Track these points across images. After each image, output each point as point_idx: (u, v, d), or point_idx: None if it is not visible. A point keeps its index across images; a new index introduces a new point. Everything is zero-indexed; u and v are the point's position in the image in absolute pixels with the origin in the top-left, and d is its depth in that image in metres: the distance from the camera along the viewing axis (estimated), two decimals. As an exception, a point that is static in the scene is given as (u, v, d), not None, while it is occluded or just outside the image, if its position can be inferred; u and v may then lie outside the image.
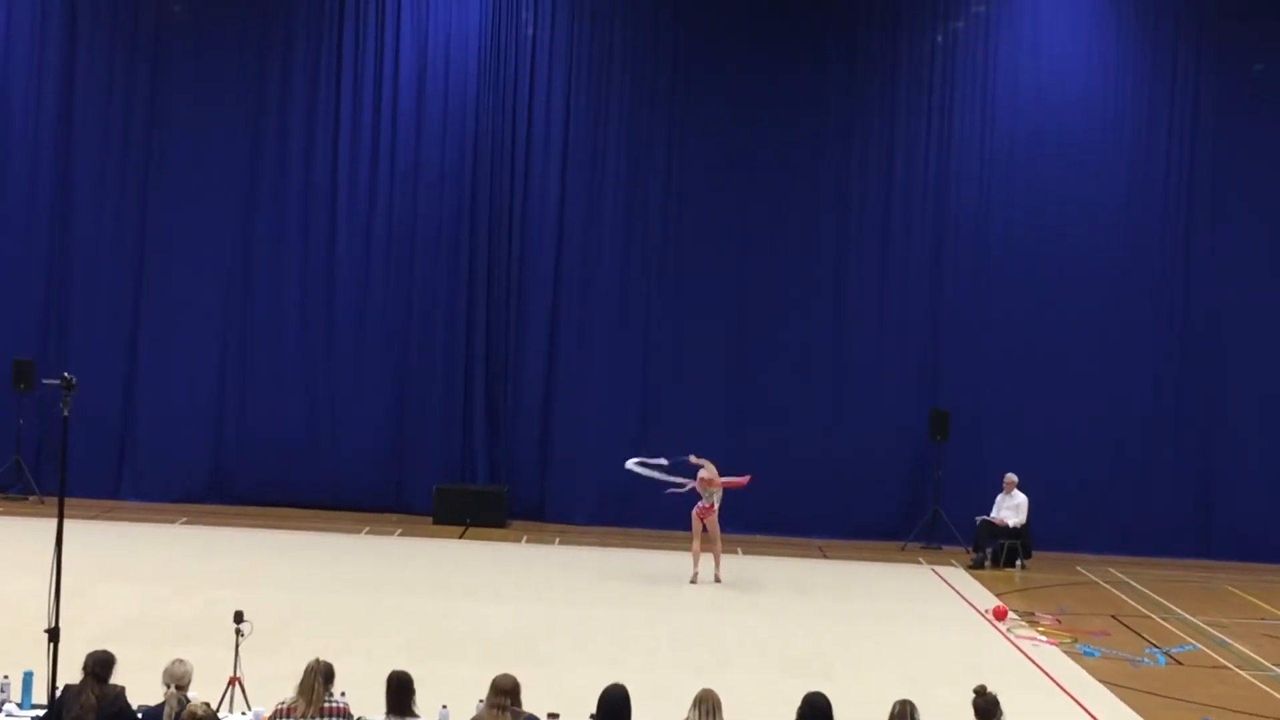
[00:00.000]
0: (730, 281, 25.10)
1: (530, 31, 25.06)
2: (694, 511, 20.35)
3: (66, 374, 9.55)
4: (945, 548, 24.08)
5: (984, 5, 25.32)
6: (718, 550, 20.53)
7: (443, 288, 24.89)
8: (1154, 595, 21.51)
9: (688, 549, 20.57)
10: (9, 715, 10.73)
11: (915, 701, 9.91)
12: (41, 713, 10.30)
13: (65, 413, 9.45)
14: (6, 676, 11.03)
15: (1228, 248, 25.14)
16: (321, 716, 9.98)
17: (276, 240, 24.92)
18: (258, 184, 24.93)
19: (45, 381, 10.18)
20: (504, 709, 9.97)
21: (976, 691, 10.42)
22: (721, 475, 20.57)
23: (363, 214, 24.95)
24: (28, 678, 11.01)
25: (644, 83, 25.18)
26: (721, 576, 20.46)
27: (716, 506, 20.35)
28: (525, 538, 23.50)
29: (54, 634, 9.23)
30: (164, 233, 24.83)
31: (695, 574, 20.32)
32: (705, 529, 20.33)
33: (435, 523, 24.00)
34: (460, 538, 23.39)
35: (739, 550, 23.01)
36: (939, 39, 25.32)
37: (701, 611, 18.66)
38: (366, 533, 23.16)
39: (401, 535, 23.16)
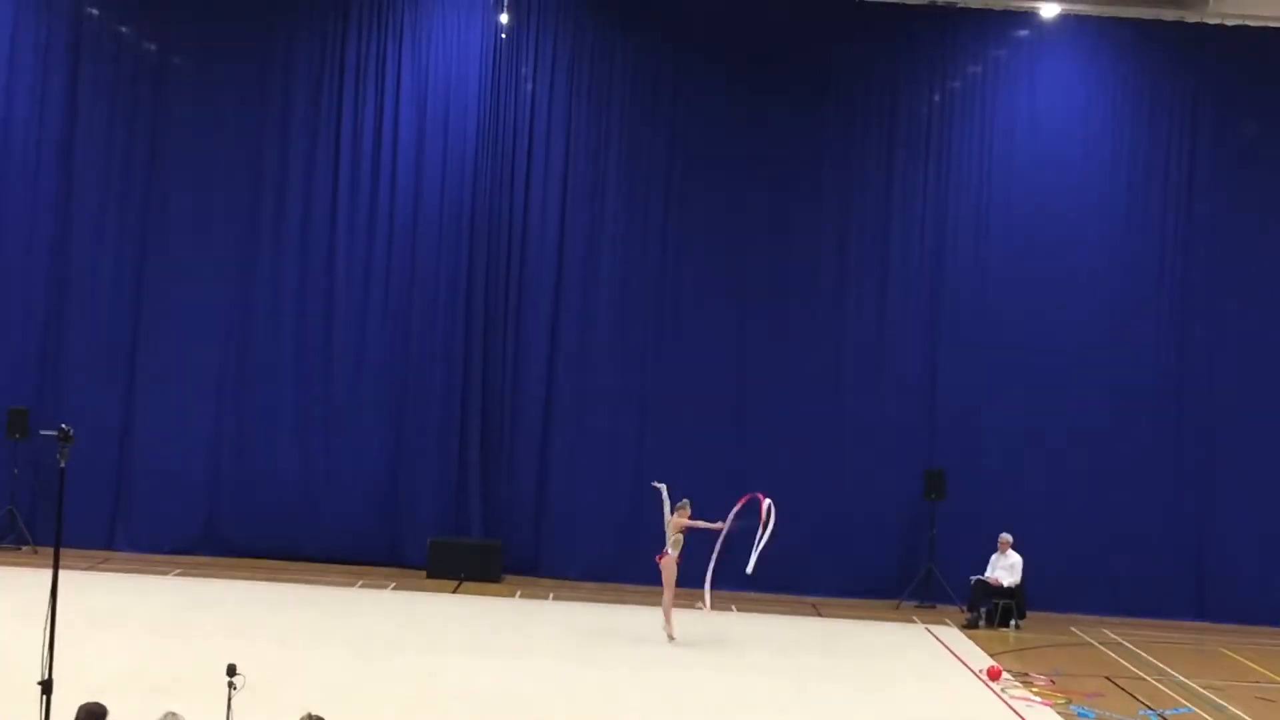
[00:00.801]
0: (728, 335, 25.14)
1: (530, 86, 25.18)
2: (658, 559, 20.12)
3: (64, 425, 9.55)
4: (939, 606, 24.06)
5: (979, 66, 25.46)
6: (668, 601, 20.17)
7: (439, 342, 24.92)
8: (1148, 657, 21.47)
9: (680, 605, 20.49)
10: (0, 767, 10.69)
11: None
12: (33, 765, 10.26)
13: (62, 464, 9.47)
14: (-2, 728, 11.01)
15: (1224, 312, 25.19)
16: (313, 771, 9.96)
17: (273, 292, 24.96)
18: (256, 234, 24.99)
19: (42, 433, 10.15)
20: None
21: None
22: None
23: (360, 268, 25.01)
24: (19, 730, 10.98)
25: (642, 133, 25.29)
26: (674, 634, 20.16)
27: (675, 555, 20.04)
28: (519, 593, 23.46)
29: (47, 686, 9.20)
30: (161, 283, 24.87)
31: (669, 632, 20.12)
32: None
33: (429, 576, 23.96)
34: (454, 592, 23.33)
35: (733, 607, 22.97)
36: (936, 98, 25.45)
37: (694, 670, 18.59)
38: (360, 586, 23.11)
39: (395, 589, 23.10)
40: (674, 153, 25.30)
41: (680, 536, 20.04)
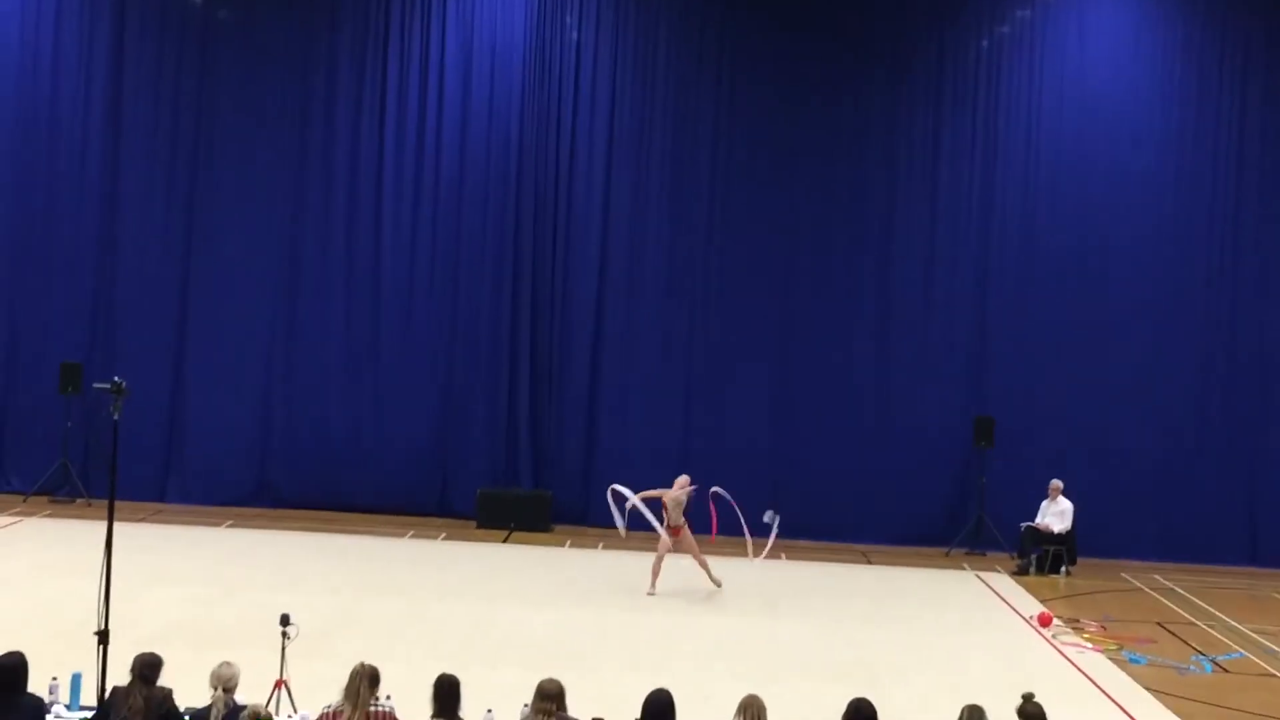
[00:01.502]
0: (774, 286, 25.11)
1: (575, 35, 25.14)
2: (665, 534, 19.77)
3: (117, 378, 9.58)
4: (990, 554, 24.03)
5: (1029, 9, 25.26)
6: (701, 559, 20.07)
7: (487, 293, 24.96)
8: (1200, 602, 21.41)
9: (733, 554, 20.51)
10: (58, 717, 10.79)
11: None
12: (90, 714, 10.37)
13: (115, 417, 9.50)
14: (55, 678, 11.10)
15: (1276, 252, 25.00)
16: (367, 720, 10.03)
17: (322, 245, 25.04)
18: (304, 189, 25.06)
19: (95, 386, 10.19)
20: (549, 714, 10.00)
21: (1024, 699, 10.40)
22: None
23: (408, 219, 25.06)
24: (76, 680, 11.07)
25: (688, 88, 25.24)
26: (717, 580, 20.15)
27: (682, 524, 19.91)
28: (569, 542, 23.52)
29: (104, 636, 9.28)
30: (210, 237, 24.98)
31: (653, 589, 19.83)
32: (678, 546, 19.91)
33: (479, 527, 24.06)
34: (504, 542, 23.43)
35: (783, 555, 22.97)
36: (984, 43, 25.28)
37: (745, 617, 18.64)
38: (411, 536, 23.22)
39: (445, 539, 23.20)
40: (720, 104, 25.21)
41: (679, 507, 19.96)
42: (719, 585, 20.00)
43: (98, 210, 24.91)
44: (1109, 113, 25.08)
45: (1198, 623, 19.96)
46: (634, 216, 25.19)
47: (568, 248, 25.10)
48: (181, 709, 10.40)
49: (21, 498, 23.97)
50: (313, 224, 25.07)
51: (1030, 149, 25.19)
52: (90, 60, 24.98)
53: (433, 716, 10.19)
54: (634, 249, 25.18)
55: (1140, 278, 24.94)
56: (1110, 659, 17.26)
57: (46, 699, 10.74)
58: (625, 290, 25.17)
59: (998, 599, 20.97)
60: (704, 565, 19.97)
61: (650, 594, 19.57)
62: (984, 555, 24.04)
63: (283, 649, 11.71)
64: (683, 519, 19.85)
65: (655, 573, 19.79)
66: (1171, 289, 24.97)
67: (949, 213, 25.20)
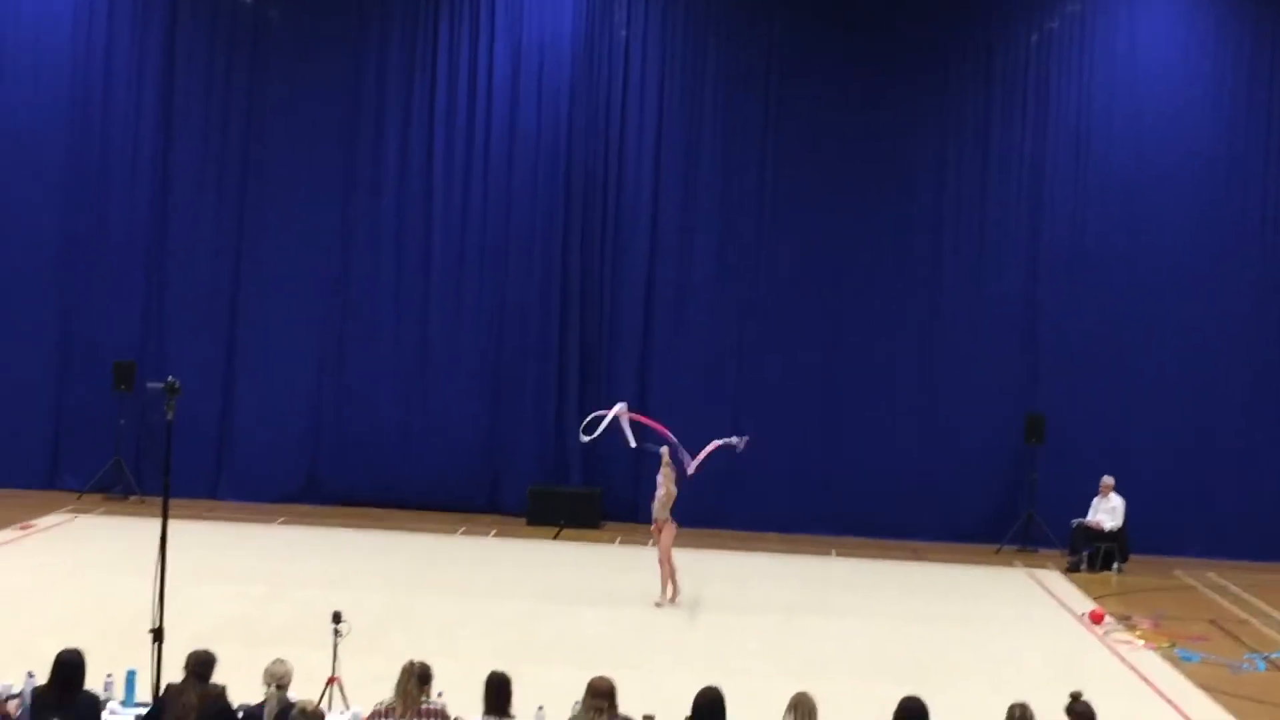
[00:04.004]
0: (824, 283, 25.06)
1: (624, 32, 25.15)
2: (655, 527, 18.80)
3: (170, 378, 9.64)
4: (1041, 550, 23.93)
5: (1079, 3, 25.14)
6: (669, 569, 18.79)
7: (536, 290, 24.99)
8: (1253, 599, 21.28)
9: (780, 551, 20.49)
10: (112, 714, 10.87)
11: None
12: (144, 711, 10.44)
13: (169, 416, 9.56)
14: (110, 675, 11.19)
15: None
16: (419, 717, 10.07)
17: (372, 242, 25.12)
18: (353, 187, 25.12)
19: (149, 385, 10.27)
20: (601, 712, 10.02)
21: (1072, 697, 10.38)
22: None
23: (457, 216, 25.12)
24: (131, 676, 11.15)
25: (737, 83, 25.18)
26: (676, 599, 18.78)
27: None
28: (619, 539, 23.54)
29: (158, 634, 9.35)
30: (261, 236, 25.10)
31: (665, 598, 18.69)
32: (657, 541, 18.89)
33: (529, 524, 24.11)
34: (554, 539, 23.48)
35: (832, 552, 23.00)
36: (1033, 38, 25.17)
37: (795, 614, 18.62)
38: (462, 533, 23.29)
39: (496, 536, 23.26)
40: (769, 101, 25.12)
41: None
42: (672, 600, 18.56)
43: (149, 208, 25.03)
44: (1159, 106, 24.90)
45: (1251, 620, 19.85)
46: (684, 212, 25.16)
47: (616, 245, 25.09)
48: (234, 706, 10.48)
49: (76, 495, 24.12)
50: (362, 220, 25.13)
51: (1080, 143, 25.02)
52: (142, 57, 25.07)
53: (484, 714, 10.23)
54: (683, 246, 25.16)
55: (1192, 271, 24.77)
56: (1163, 656, 17.19)
57: (101, 695, 10.84)
58: (674, 288, 25.14)
59: (1049, 596, 20.91)
60: (670, 574, 18.67)
61: (658, 604, 18.48)
62: (1035, 552, 23.94)
63: (334, 646, 11.77)
64: (666, 514, 18.65)
65: (666, 577, 18.75)
66: (1224, 282, 24.77)
67: (998, 208, 25.09)
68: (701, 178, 25.18)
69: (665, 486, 18.72)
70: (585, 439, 19.68)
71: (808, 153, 25.13)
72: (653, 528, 18.86)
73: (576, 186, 25.02)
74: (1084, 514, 23.31)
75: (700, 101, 25.22)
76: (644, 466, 24.50)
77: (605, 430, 23.74)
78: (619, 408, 19.50)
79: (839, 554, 23.00)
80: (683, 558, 20.09)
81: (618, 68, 25.15)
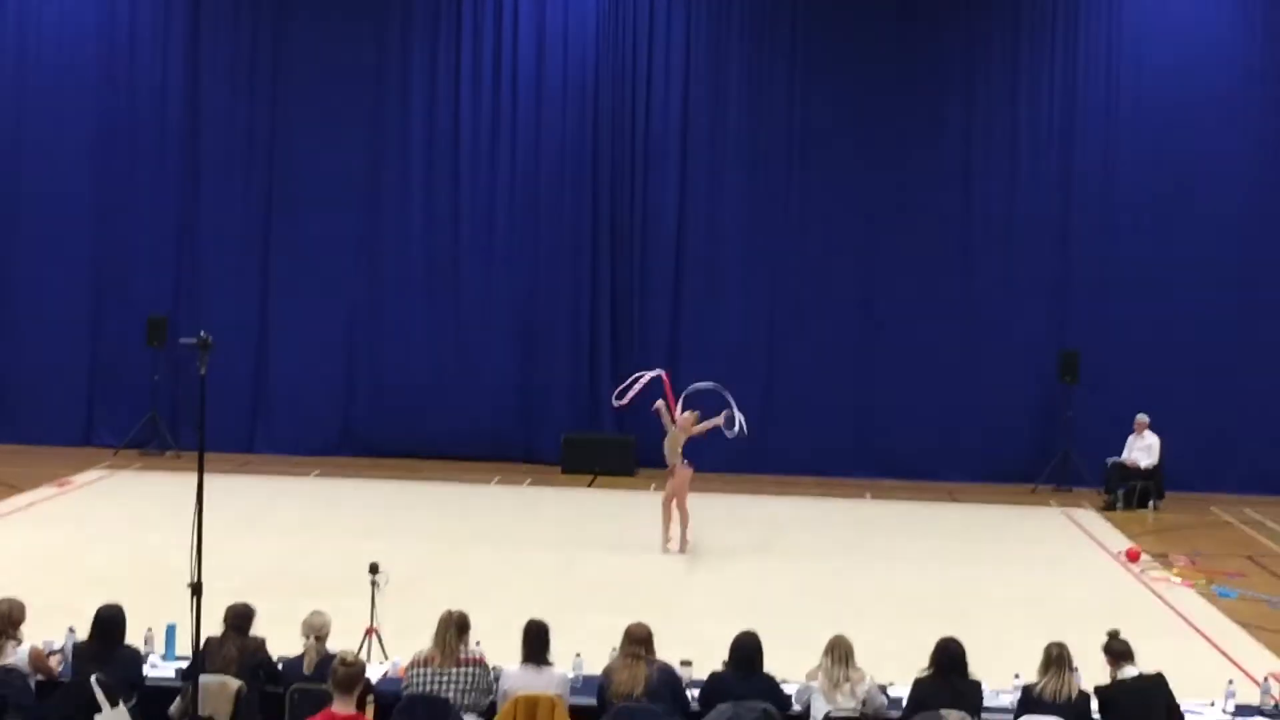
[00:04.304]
0: (856, 229, 24.93)
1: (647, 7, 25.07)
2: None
3: (203, 333, 9.64)
4: (1076, 490, 23.88)
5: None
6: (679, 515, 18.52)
7: (567, 239, 24.96)
8: (1290, 535, 21.27)
9: (815, 494, 20.47)
10: (153, 667, 10.95)
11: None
12: (184, 664, 10.52)
13: (202, 371, 9.55)
14: (150, 629, 11.26)
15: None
16: (457, 666, 10.12)
17: (401, 195, 25.10)
18: (382, 142, 25.08)
19: (182, 341, 10.25)
20: (638, 657, 10.08)
21: (1109, 635, 10.40)
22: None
23: (485, 169, 25.06)
24: (171, 630, 11.22)
25: (764, 42, 25.02)
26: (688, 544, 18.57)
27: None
28: (654, 485, 23.51)
29: (197, 588, 9.40)
30: (291, 190, 25.08)
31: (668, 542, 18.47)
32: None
33: (564, 472, 24.15)
34: (589, 486, 23.53)
35: (867, 494, 23.02)
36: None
37: (831, 558, 18.66)
38: (496, 482, 23.35)
39: (531, 485, 23.32)
40: (795, 59, 24.94)
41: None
42: (681, 550, 18.33)
43: (178, 167, 25.07)
44: (1191, 39, 24.64)
45: (1288, 556, 19.83)
46: (712, 164, 25.01)
47: (645, 193, 24.96)
48: (274, 658, 10.54)
49: (112, 451, 24.25)
50: (391, 174, 25.10)
51: (1110, 77, 24.79)
52: (168, 21, 24.97)
53: (522, 662, 10.28)
54: (713, 193, 25.01)
55: (1226, 207, 24.55)
56: (1200, 594, 17.16)
57: (142, 649, 10.92)
58: (706, 232, 25.05)
59: (1085, 535, 20.88)
60: (684, 520, 18.39)
61: (666, 550, 18.29)
62: (1070, 491, 23.89)
63: (372, 597, 11.83)
64: (679, 457, 18.40)
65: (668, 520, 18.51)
66: (1260, 217, 24.54)
67: (1030, 145, 24.90)
68: (729, 135, 25.02)
69: (681, 429, 18.50)
70: (617, 404, 19.61)
71: (836, 105, 24.93)
72: (667, 472, 18.58)
73: (604, 135, 24.94)
74: (1119, 453, 23.25)
75: (727, 54, 25.02)
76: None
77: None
78: (653, 374, 19.27)
79: (874, 496, 23.00)
80: (717, 502, 20.14)
81: (643, 15, 25.01)
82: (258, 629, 10.54)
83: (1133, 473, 23.00)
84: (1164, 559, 19.02)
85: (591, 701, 10.35)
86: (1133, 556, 18.90)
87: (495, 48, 25.04)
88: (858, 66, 24.89)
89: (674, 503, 18.37)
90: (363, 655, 11.24)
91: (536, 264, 25.05)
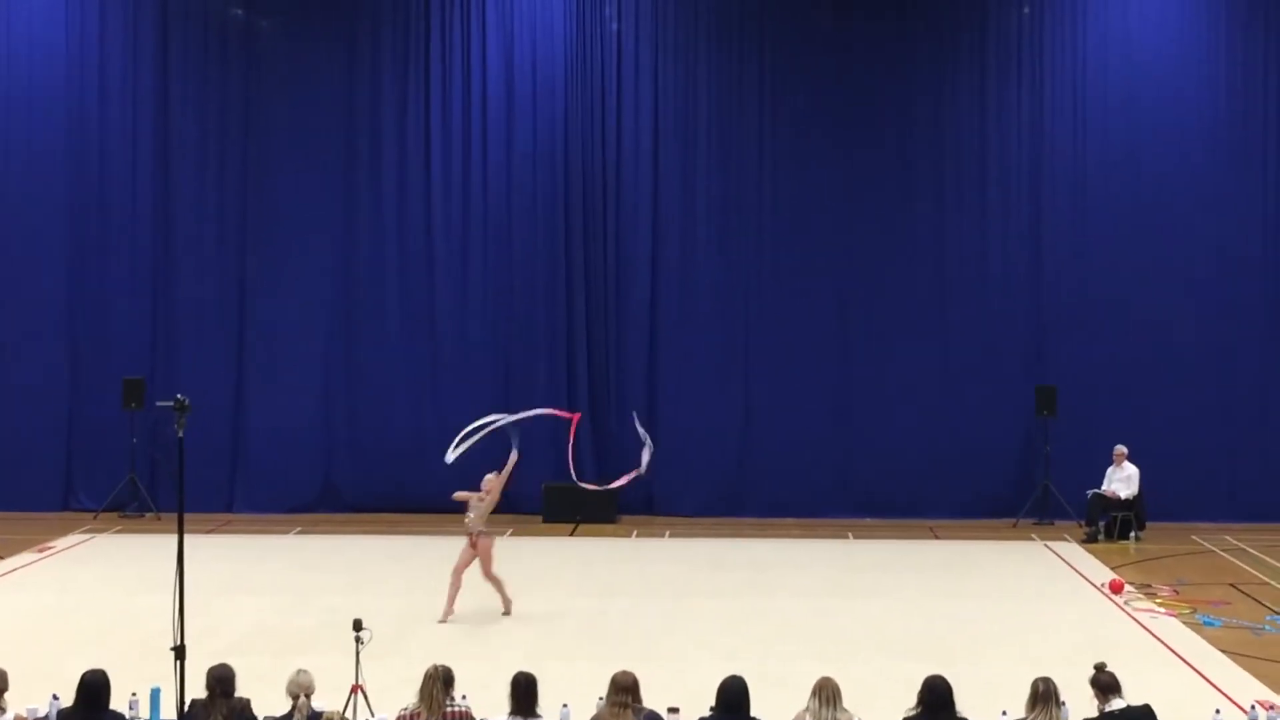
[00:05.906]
0: (831, 264, 24.96)
1: (615, 26, 25.10)
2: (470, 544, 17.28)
3: (180, 395, 9.65)
4: (1057, 523, 23.91)
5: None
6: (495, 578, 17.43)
7: (541, 290, 24.95)
8: (1272, 562, 21.26)
9: (797, 536, 20.47)
10: (138, 732, 10.89)
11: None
12: (171, 728, 10.47)
13: (180, 433, 9.57)
14: (135, 694, 11.20)
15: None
16: (444, 721, 10.08)
17: (376, 249, 25.06)
18: (354, 197, 25.03)
19: (159, 404, 10.27)
20: (625, 706, 10.05)
21: (1096, 668, 10.41)
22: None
23: (458, 220, 25.05)
24: (155, 695, 11.16)
25: (731, 69, 25.05)
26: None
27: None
28: (635, 532, 23.57)
29: (180, 651, 9.37)
30: (265, 250, 25.04)
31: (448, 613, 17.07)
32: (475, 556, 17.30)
33: (545, 521, 24.12)
34: (571, 535, 23.49)
35: (849, 535, 23.02)
36: (1026, 10, 25.12)
37: (816, 598, 18.63)
38: (478, 534, 23.26)
39: (512, 535, 23.24)
40: (764, 83, 25.03)
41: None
42: (506, 610, 17.35)
43: (149, 225, 25.02)
44: (1155, 68, 24.76)
45: (1271, 583, 19.81)
46: (684, 202, 25.08)
47: (618, 243, 24.99)
48: (260, 717, 10.50)
49: (92, 515, 24.17)
50: (365, 232, 25.04)
51: (1077, 110, 24.91)
52: (136, 82, 24.92)
53: (510, 713, 10.25)
54: (686, 234, 25.06)
55: (1198, 238, 24.64)
56: (1184, 623, 17.17)
57: (127, 715, 10.86)
58: (679, 276, 25.09)
59: (1068, 568, 20.89)
60: (498, 586, 17.35)
61: (442, 621, 16.91)
62: (1052, 524, 23.92)
63: (357, 654, 11.79)
64: (483, 526, 17.33)
65: (453, 593, 17.15)
66: (1232, 247, 24.66)
67: (1000, 183, 24.99)
68: (699, 162, 25.03)
69: (493, 495, 17.63)
70: (450, 458, 17.58)
71: (805, 134, 24.96)
72: (468, 541, 17.31)
73: (575, 182, 24.92)
74: (1099, 484, 23.30)
75: (695, 86, 25.04)
76: (656, 458, 24.55)
77: (620, 422, 23.72)
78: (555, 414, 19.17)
79: (856, 536, 23.00)
80: (699, 546, 20.13)
81: (610, 54, 25.06)
82: (243, 688, 10.49)
83: (1113, 504, 23.04)
84: (1148, 589, 19.03)
85: (580, 752, 10.33)
86: (1116, 588, 18.91)
87: (464, 101, 25.03)
88: (826, 110, 24.94)
89: (463, 574, 17.10)
90: (348, 713, 11.19)
91: (512, 314, 25.01)
